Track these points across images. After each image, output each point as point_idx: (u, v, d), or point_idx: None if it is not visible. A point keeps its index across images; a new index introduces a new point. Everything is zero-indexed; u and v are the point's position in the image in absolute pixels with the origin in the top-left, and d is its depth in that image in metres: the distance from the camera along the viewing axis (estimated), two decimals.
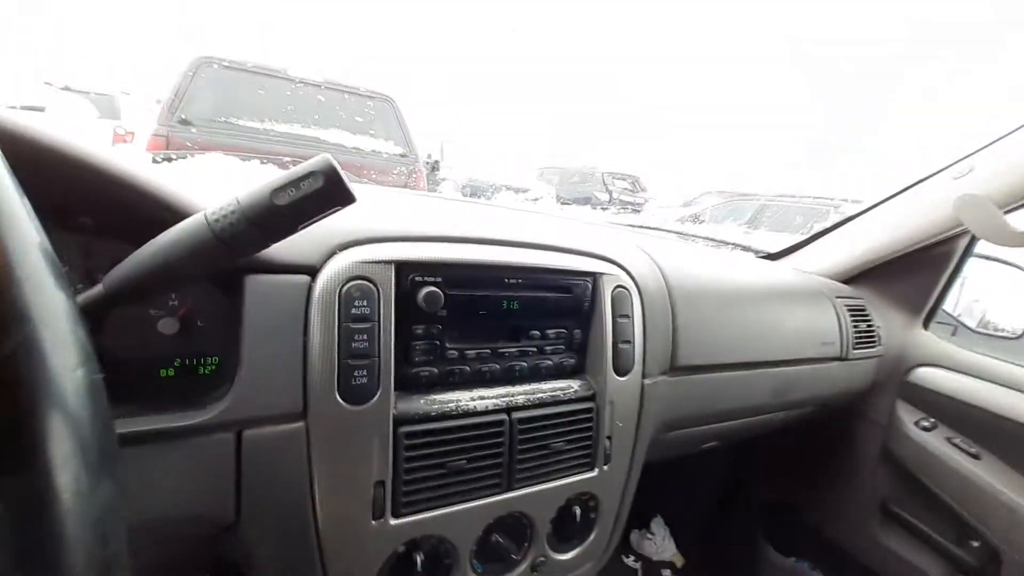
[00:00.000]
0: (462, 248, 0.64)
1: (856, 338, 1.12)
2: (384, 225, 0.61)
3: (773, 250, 1.45)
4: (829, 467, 1.32)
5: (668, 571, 1.54)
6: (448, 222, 0.70)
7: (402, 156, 4.14)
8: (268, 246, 0.43)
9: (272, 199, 0.39)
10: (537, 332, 0.70)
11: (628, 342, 0.74)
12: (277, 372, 0.51)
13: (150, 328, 0.53)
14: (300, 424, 0.52)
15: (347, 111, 3.93)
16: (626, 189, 7.60)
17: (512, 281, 0.66)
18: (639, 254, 0.86)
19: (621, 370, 0.73)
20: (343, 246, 0.56)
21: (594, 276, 0.73)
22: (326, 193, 0.39)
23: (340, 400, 0.53)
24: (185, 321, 0.54)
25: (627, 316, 0.74)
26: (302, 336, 0.52)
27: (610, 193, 7.16)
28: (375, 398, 0.54)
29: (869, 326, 1.16)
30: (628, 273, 0.77)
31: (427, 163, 5.49)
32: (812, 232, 1.35)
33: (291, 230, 0.43)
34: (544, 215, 1.18)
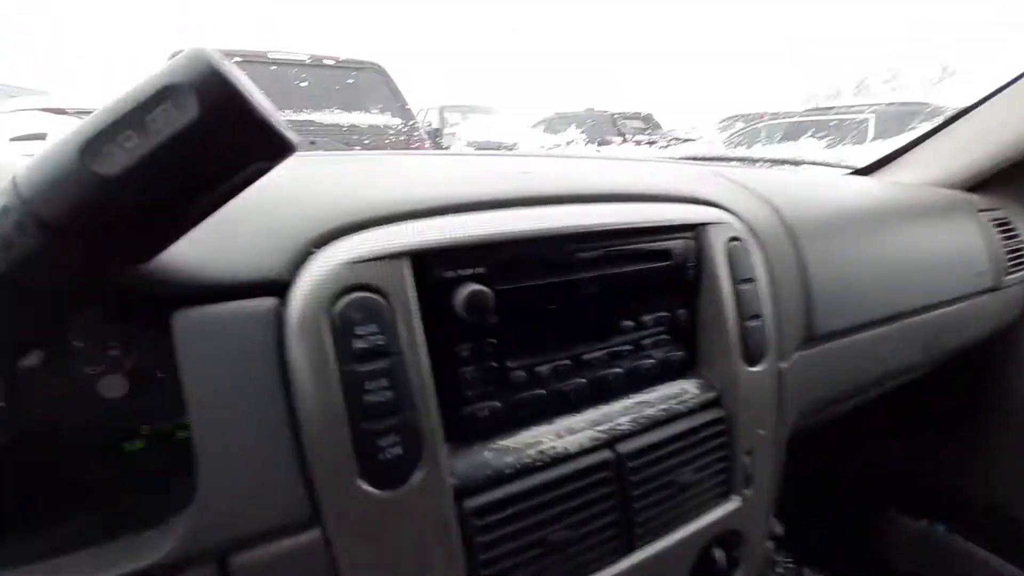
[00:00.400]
0: (508, 216, 0.42)
1: (1008, 259, 0.87)
2: (383, 195, 0.40)
3: (860, 164, 1.18)
4: (965, 415, 1.09)
5: (770, 543, 1.37)
6: (477, 180, 0.49)
7: (400, 127, 3.89)
8: (108, 274, 0.23)
9: (87, 166, 0.18)
10: (630, 322, 0.49)
11: (758, 316, 0.52)
12: (257, 459, 0.32)
13: (91, 393, 0.36)
14: (314, 533, 0.33)
15: (338, 88, 3.68)
16: (638, 128, 7.11)
17: (586, 255, 0.45)
18: (738, 190, 0.63)
19: (753, 357, 0.52)
20: (321, 239, 0.36)
21: (697, 229, 0.51)
22: (213, 130, 0.19)
23: (366, 486, 0.33)
24: (136, 376, 0.37)
25: (751, 280, 0.52)
26: (283, 395, 0.33)
27: (623, 136, 6.71)
28: (420, 471, 0.35)
29: (1020, 241, 0.91)
30: (739, 218, 0.55)
31: (427, 131, 5.19)
32: (919, 134, 1.08)
33: (155, 236, 0.22)
34: (594, 158, 0.94)
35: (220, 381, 0.32)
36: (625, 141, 6.65)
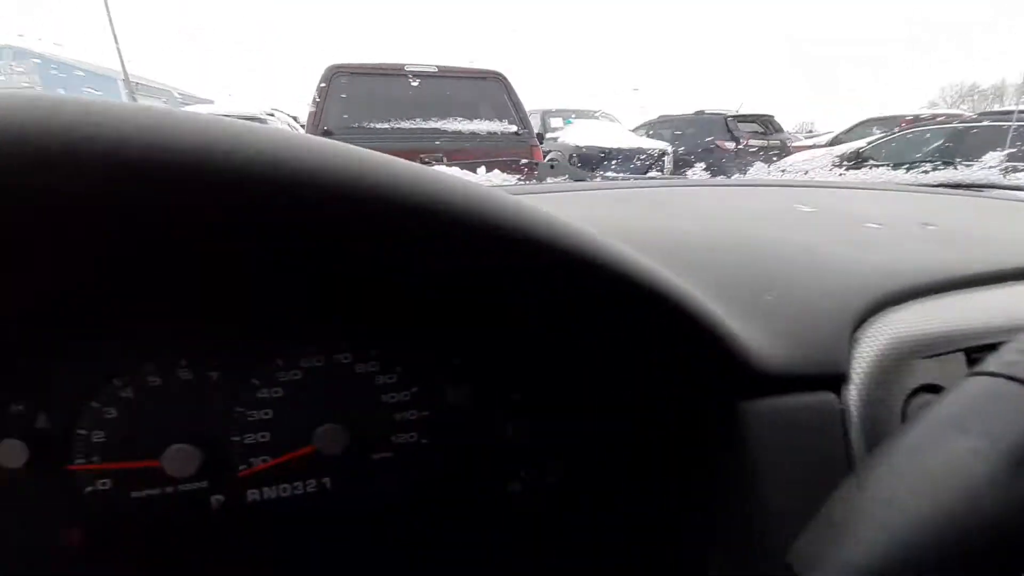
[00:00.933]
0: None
1: None
2: (903, 263, 0.36)
3: None
4: None
5: None
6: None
7: (516, 134, 3.95)
8: None
9: None
10: None
11: None
12: None
13: (499, 428, 0.38)
14: None
15: (458, 96, 3.81)
16: (756, 132, 6.65)
17: None
18: None
19: None
20: (863, 313, 0.32)
21: None
22: None
23: None
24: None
25: None
26: None
27: (736, 140, 6.31)
28: None
29: None
30: None
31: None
32: None
33: None
34: (872, 187, 0.84)
35: (791, 479, 0.29)
36: (738, 145, 6.26)
